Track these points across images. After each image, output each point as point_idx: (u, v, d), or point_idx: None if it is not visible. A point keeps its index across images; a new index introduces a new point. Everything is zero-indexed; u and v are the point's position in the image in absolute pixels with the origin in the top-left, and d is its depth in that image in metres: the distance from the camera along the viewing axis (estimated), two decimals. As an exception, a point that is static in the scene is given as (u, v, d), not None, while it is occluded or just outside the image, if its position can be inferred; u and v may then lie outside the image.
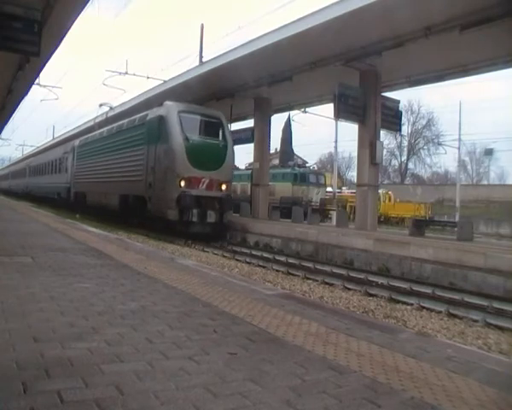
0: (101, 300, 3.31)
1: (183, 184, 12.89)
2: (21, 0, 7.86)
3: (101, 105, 26.64)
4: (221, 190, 13.60)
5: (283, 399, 1.81)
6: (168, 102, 14.31)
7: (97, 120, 26.33)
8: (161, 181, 13.31)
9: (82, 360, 2.07)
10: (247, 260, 9.32)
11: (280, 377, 2.03)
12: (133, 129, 16.15)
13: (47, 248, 6.11)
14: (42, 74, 16.54)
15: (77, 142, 24.44)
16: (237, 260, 9.47)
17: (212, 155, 13.69)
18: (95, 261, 5.20)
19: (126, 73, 21.53)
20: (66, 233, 8.58)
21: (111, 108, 25.55)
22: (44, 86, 21.34)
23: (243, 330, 2.74)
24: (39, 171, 35.64)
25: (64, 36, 10.55)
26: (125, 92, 39.34)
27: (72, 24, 9.74)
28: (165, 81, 19.94)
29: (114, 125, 18.92)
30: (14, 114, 26.32)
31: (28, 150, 56.91)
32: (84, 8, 8.91)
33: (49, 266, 4.65)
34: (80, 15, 9.26)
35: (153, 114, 14.66)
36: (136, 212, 15.28)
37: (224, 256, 9.88)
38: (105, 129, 20.32)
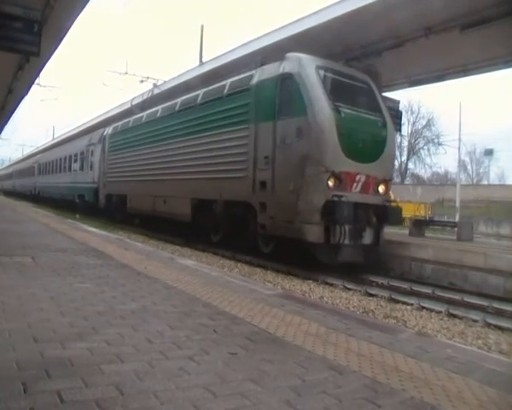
0: (101, 300, 3.31)
1: (331, 183, 7.95)
2: (21, 0, 7.86)
3: (142, 81, 21.01)
4: (378, 192, 8.69)
5: (283, 399, 1.81)
6: (297, 55, 8.88)
7: (135, 102, 20.04)
8: (289, 179, 8.13)
9: (82, 360, 2.07)
10: (247, 259, 9.32)
11: (280, 377, 2.03)
12: (222, 101, 10.50)
13: (47, 248, 6.11)
14: (42, 74, 16.55)
15: (108, 130, 18.71)
16: (237, 260, 9.46)
17: (369, 139, 8.72)
18: (95, 261, 5.20)
19: (126, 73, 21.52)
20: (66, 233, 8.58)
21: (155, 86, 19.88)
22: (44, 86, 21.37)
23: (243, 330, 2.74)
24: (52, 168, 29.21)
25: (64, 36, 10.54)
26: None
27: (72, 24, 9.74)
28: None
29: (178, 100, 13.05)
30: (14, 114, 26.26)
31: (28, 151, 56.28)
32: (84, 8, 8.91)
33: (49, 266, 4.65)
34: (80, 15, 9.27)
35: (266, 73, 9.27)
36: (224, 226, 10.60)
37: (224, 256, 9.87)
38: (159, 108, 14.23)
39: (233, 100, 10.11)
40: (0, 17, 7.70)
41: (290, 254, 8.62)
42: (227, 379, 1.97)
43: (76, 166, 22.96)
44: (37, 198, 32.92)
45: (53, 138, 46.17)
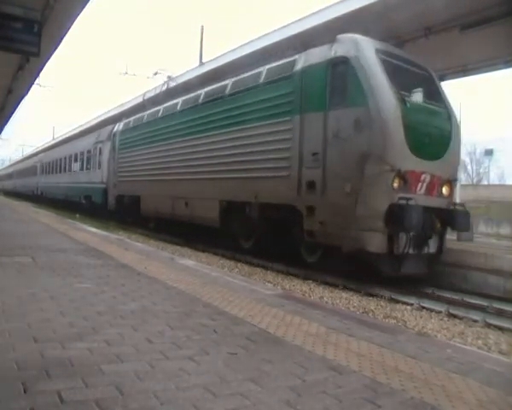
0: (101, 300, 3.31)
1: (396, 184, 6.92)
2: (21, 0, 7.86)
3: (156, 73, 19.85)
4: (442, 194, 7.72)
5: (283, 399, 1.81)
6: (352, 36, 7.78)
7: (148, 96, 19.05)
8: (345, 179, 7.07)
9: (82, 360, 2.07)
10: (247, 259, 9.32)
11: (280, 378, 2.03)
12: (258, 90, 9.24)
13: (47, 248, 6.11)
14: (42, 74, 16.55)
15: (118, 126, 17.37)
16: (237, 260, 9.47)
17: (435, 133, 7.67)
18: (95, 261, 5.20)
19: (126, 73, 21.55)
20: (66, 233, 8.58)
21: (170, 78, 18.62)
22: (44, 86, 21.38)
23: (243, 331, 2.74)
24: (56, 167, 27.83)
25: (64, 36, 10.54)
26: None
27: (72, 24, 9.74)
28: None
29: (201, 91, 11.75)
30: (14, 114, 26.22)
31: (28, 151, 56.01)
32: (84, 8, 8.90)
33: (49, 266, 4.65)
34: (80, 15, 9.27)
35: (314, 57, 8.12)
36: (259, 231, 9.36)
37: (224, 256, 9.88)
38: (178, 100, 12.87)
39: (271, 89, 8.87)
40: (0, 17, 7.71)
41: (340, 264, 7.54)
42: (227, 379, 1.97)
43: (82, 165, 21.64)
44: (40, 199, 31.62)
45: (53, 138, 46.09)
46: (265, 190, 8.73)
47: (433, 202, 7.43)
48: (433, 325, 5.18)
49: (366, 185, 6.85)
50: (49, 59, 12.41)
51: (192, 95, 12.31)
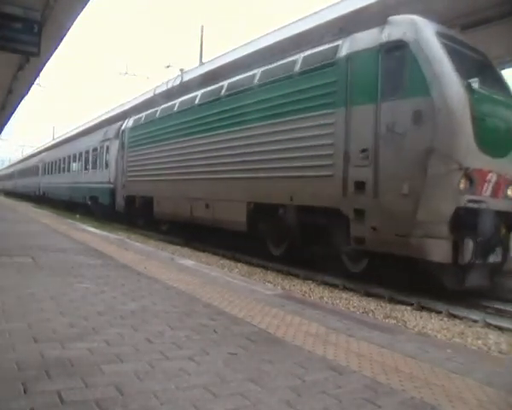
0: (101, 300, 3.31)
1: (463, 185, 6.19)
2: (21, 0, 7.86)
3: (168, 66, 19.45)
4: (507, 196, 6.84)
5: (283, 399, 1.81)
6: (409, 17, 6.93)
7: (159, 91, 18.19)
8: (402, 179, 6.29)
9: (82, 361, 2.07)
10: (247, 259, 9.32)
11: (280, 378, 2.03)
12: (292, 81, 8.30)
13: (47, 248, 6.11)
14: (42, 74, 16.55)
15: (127, 122, 16.24)
16: (237, 260, 9.46)
17: (503, 126, 6.88)
18: (95, 261, 5.20)
19: (126, 73, 21.58)
20: (66, 233, 8.59)
21: (183, 71, 17.82)
22: (44, 86, 21.41)
23: (243, 331, 2.74)
24: (60, 167, 26.64)
25: (64, 36, 10.55)
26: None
27: (72, 24, 9.74)
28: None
29: (223, 83, 10.60)
30: (14, 114, 26.19)
31: (28, 151, 55.92)
32: (83, 8, 8.90)
33: (49, 266, 4.65)
34: (80, 15, 9.27)
35: (362, 42, 7.28)
36: (294, 237, 8.39)
37: (224, 256, 9.88)
38: (197, 94, 11.75)
39: (310, 78, 7.91)
40: (0, 17, 7.71)
41: (390, 275, 6.83)
42: (227, 379, 1.97)
43: (87, 164, 20.63)
44: (42, 200, 30.59)
45: (53, 138, 46.07)
46: (303, 191, 7.80)
47: (499, 204, 6.55)
48: (433, 325, 5.18)
49: (429, 186, 6.05)
50: (49, 59, 12.42)
51: (213, 87, 11.09)
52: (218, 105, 10.40)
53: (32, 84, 16.03)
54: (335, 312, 3.88)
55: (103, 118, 28.38)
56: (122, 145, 16.10)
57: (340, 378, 2.08)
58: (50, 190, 28.61)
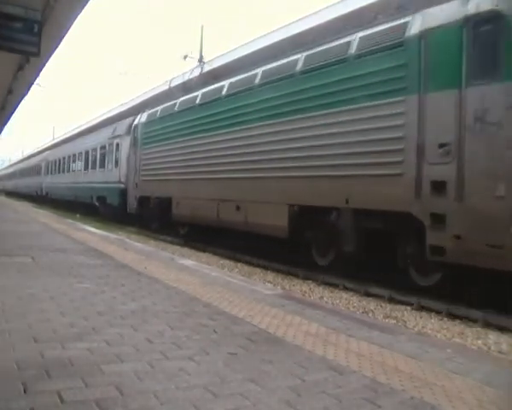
0: (101, 300, 3.31)
1: None
2: (21, 0, 7.86)
3: (185, 57, 17.95)
4: None
5: (283, 399, 1.81)
6: None
7: (175, 83, 16.69)
8: (497, 178, 5.43)
9: (82, 360, 2.07)
10: (247, 259, 9.32)
11: (280, 378, 2.03)
12: (347, 65, 7.30)
13: (47, 248, 6.12)
14: (42, 74, 16.53)
15: (140, 117, 15.02)
16: (237, 260, 9.46)
17: None
18: (95, 261, 5.20)
19: (126, 73, 21.54)
20: (66, 233, 8.59)
21: (201, 63, 16.35)
22: (44, 86, 21.40)
23: (243, 331, 2.74)
24: (64, 166, 25.61)
25: (64, 36, 10.54)
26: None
27: (72, 24, 9.74)
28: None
29: (256, 71, 9.39)
30: (13, 114, 26.15)
31: (28, 151, 55.75)
32: (83, 8, 8.90)
33: (49, 266, 4.65)
34: (80, 15, 9.27)
35: (440, 17, 6.28)
36: (348, 244, 7.23)
37: (224, 256, 9.88)
38: (223, 84, 10.52)
39: (369, 62, 6.88)
40: (0, 17, 7.71)
41: (471, 291, 6.04)
42: (227, 379, 1.97)
43: (95, 162, 19.53)
44: (45, 200, 29.55)
45: (53, 138, 46.03)
46: (363, 192, 6.68)
47: None
48: (433, 325, 5.18)
49: None
50: (49, 59, 12.41)
51: (243, 76, 9.85)
52: (252, 95, 9.21)
53: (32, 84, 16.03)
54: (335, 312, 3.88)
55: (110, 115, 27.87)
56: (134, 142, 14.96)
57: (340, 378, 2.08)
58: (54, 190, 27.68)
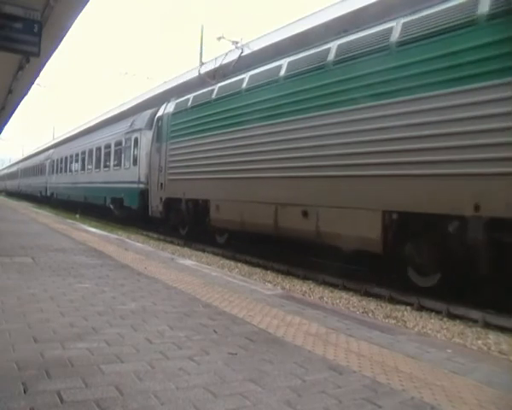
0: (101, 300, 3.31)
1: None
2: (21, 0, 7.86)
3: (220, 38, 15.56)
4: None
5: (283, 399, 1.81)
6: None
7: (206, 70, 14.27)
8: None
9: (82, 360, 2.07)
10: (247, 259, 9.32)
11: (280, 378, 2.03)
12: (479, 31, 5.38)
13: (47, 248, 6.12)
14: (42, 74, 16.51)
15: (167, 107, 13.09)
16: (237, 260, 9.46)
17: None
18: (95, 262, 5.20)
19: (126, 73, 21.59)
20: (66, 233, 8.59)
21: (242, 45, 14.08)
22: (44, 86, 21.41)
23: (243, 331, 2.74)
24: (72, 165, 23.82)
25: (64, 36, 10.54)
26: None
27: (72, 24, 9.74)
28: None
29: (329, 46, 7.67)
30: (13, 114, 26.10)
31: (27, 151, 55.40)
32: (84, 7, 8.91)
33: (49, 266, 4.65)
34: (80, 15, 9.27)
35: None
36: (481, 266, 5.48)
37: (224, 256, 9.87)
38: (281, 63, 8.66)
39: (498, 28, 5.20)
40: (0, 17, 7.71)
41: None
42: (227, 379, 1.97)
43: (108, 160, 17.79)
44: (50, 201, 27.86)
45: (53, 138, 45.95)
46: (502, 194, 5.07)
47: None
48: (433, 325, 5.18)
49: None
50: (49, 59, 12.41)
51: (310, 52, 8.03)
52: (325, 76, 7.49)
53: (32, 84, 16.04)
54: (335, 312, 3.88)
55: (124, 109, 26.75)
56: (158, 136, 13.11)
57: (340, 378, 2.08)
58: (60, 190, 25.80)
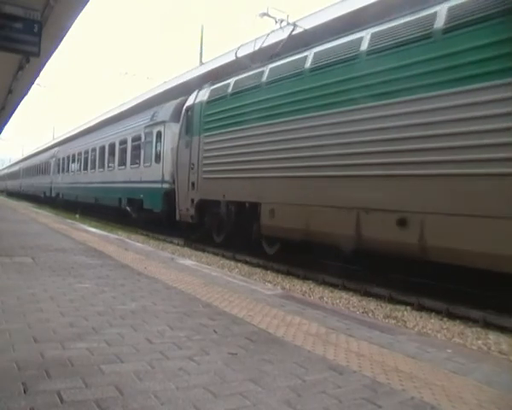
0: (101, 300, 3.31)
1: None
2: (21, 0, 7.86)
3: (264, 14, 12.64)
4: None
5: (283, 399, 1.81)
6: None
7: (243, 53, 12.06)
8: None
9: (82, 360, 2.07)
10: (247, 259, 9.32)
11: (280, 378, 2.03)
12: None
13: (47, 248, 6.11)
14: (42, 74, 16.51)
15: (200, 95, 11.29)
16: (237, 260, 9.46)
17: None
18: (95, 261, 5.20)
19: (126, 73, 21.58)
20: (66, 233, 8.59)
21: (282, 27, 11.89)
22: (44, 86, 21.39)
23: (243, 331, 2.74)
24: (80, 163, 21.95)
25: (64, 36, 10.54)
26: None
27: (72, 24, 9.74)
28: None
29: (439, 6, 5.82)
30: (13, 114, 26.08)
31: (27, 151, 54.97)
32: (84, 7, 8.91)
33: (49, 266, 4.65)
34: (80, 15, 9.28)
35: None
36: None
37: (224, 256, 9.87)
38: (363, 35, 7.02)
39: None
40: (0, 17, 7.71)
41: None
42: (227, 379, 1.97)
43: (125, 157, 16.02)
44: (55, 202, 26.07)
45: (53, 138, 45.92)
46: None
47: None
48: (432, 324, 5.19)
49: None
50: (49, 59, 12.42)
51: (424, 14, 6.13)
52: (436, 46, 5.82)
53: (32, 84, 16.04)
54: (335, 312, 3.88)
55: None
56: (188, 128, 11.45)
57: (340, 378, 2.08)
58: (67, 190, 23.95)
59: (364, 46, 6.86)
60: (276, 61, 8.98)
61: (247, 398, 1.80)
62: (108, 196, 17.11)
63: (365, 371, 2.19)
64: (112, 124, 21.66)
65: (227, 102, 10.01)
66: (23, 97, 18.38)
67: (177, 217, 11.57)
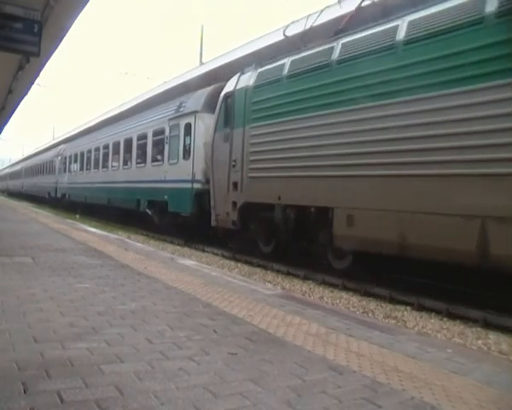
0: (101, 300, 3.31)
1: None
2: (21, 0, 7.86)
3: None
4: None
5: (283, 399, 1.81)
6: None
7: (292, 32, 10.08)
8: None
9: (82, 360, 2.07)
10: (247, 259, 9.32)
11: (280, 378, 2.03)
12: None
13: (47, 248, 6.12)
14: (42, 74, 16.49)
15: (244, 79, 9.50)
16: (237, 260, 9.46)
17: None
18: (95, 261, 5.20)
19: (126, 73, 21.55)
20: (66, 233, 8.59)
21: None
22: (44, 87, 21.33)
23: (243, 331, 2.74)
24: (89, 161, 20.27)
25: (64, 36, 10.54)
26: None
27: (72, 24, 9.75)
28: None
29: None
30: (13, 114, 26.04)
31: (27, 151, 54.59)
32: (84, 7, 8.91)
33: (49, 266, 4.65)
34: (80, 15, 9.28)
35: None
36: None
37: (224, 256, 9.87)
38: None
39: None
40: (0, 17, 7.71)
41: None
42: (227, 379, 1.97)
43: (145, 153, 14.27)
44: (61, 203, 24.37)
45: (53, 138, 45.89)
46: None
47: None
48: (432, 324, 5.18)
49: None
50: (49, 59, 12.42)
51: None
52: None
53: (32, 84, 16.04)
54: (335, 312, 3.88)
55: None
56: (227, 119, 9.75)
57: (340, 378, 2.08)
58: (74, 191, 22.18)
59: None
60: (351, 34, 7.32)
61: (247, 398, 1.80)
62: (123, 197, 15.47)
63: (365, 371, 2.19)
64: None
65: (283, 86, 8.32)
66: (23, 97, 18.37)
67: (213, 222, 9.96)
